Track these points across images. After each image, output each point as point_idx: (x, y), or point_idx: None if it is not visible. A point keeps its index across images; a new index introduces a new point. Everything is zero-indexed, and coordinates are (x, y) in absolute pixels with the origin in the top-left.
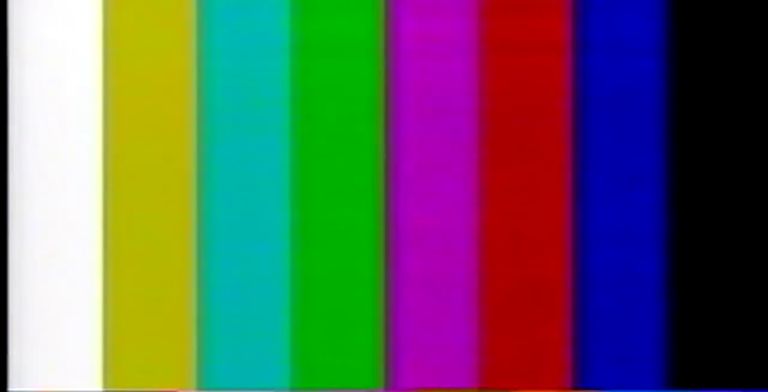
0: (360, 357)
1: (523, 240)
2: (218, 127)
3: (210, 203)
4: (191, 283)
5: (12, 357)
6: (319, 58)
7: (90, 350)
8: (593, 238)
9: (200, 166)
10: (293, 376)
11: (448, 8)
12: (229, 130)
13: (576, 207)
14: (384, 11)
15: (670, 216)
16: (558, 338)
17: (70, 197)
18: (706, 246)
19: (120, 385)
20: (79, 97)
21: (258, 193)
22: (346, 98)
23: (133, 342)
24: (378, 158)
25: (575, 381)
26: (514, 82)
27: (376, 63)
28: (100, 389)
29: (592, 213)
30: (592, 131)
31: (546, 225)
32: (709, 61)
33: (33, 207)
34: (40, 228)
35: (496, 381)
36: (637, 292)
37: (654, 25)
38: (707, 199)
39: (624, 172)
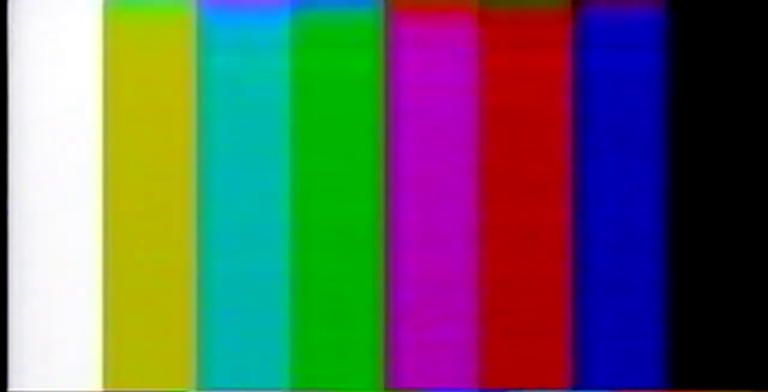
0: (360, 357)
1: (523, 240)
2: (219, 130)
3: (210, 203)
4: (191, 283)
5: (12, 357)
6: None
7: (90, 350)
8: (594, 238)
9: (200, 165)
10: (293, 376)
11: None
12: (230, 132)
13: (576, 207)
14: (384, 49)
15: (671, 216)
16: (558, 338)
17: (71, 197)
18: (706, 246)
19: (120, 385)
20: (79, 97)
21: (258, 193)
22: (346, 97)
23: (133, 342)
24: (378, 158)
25: (575, 381)
26: (513, 86)
27: (377, 94)
28: (100, 389)
29: (592, 213)
30: (593, 132)
31: (546, 225)
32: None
33: (33, 207)
34: (40, 228)
35: (496, 381)
36: (637, 292)
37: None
38: (707, 199)
39: (625, 173)
